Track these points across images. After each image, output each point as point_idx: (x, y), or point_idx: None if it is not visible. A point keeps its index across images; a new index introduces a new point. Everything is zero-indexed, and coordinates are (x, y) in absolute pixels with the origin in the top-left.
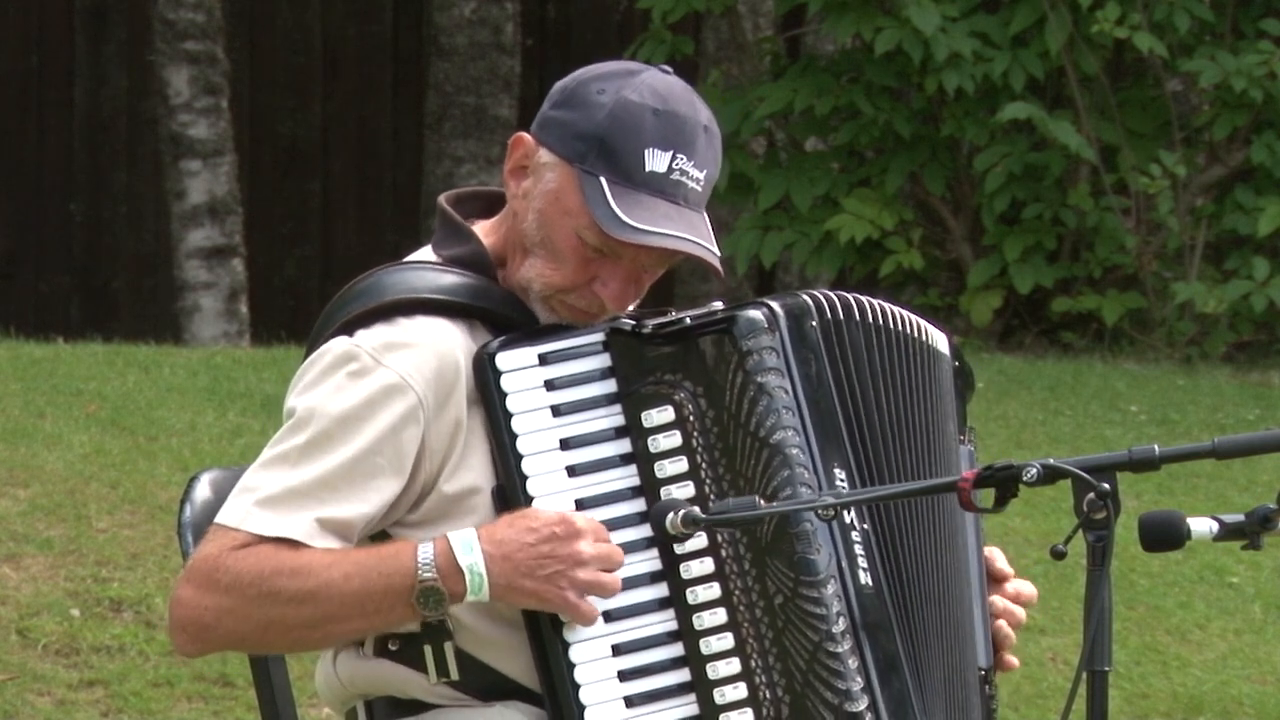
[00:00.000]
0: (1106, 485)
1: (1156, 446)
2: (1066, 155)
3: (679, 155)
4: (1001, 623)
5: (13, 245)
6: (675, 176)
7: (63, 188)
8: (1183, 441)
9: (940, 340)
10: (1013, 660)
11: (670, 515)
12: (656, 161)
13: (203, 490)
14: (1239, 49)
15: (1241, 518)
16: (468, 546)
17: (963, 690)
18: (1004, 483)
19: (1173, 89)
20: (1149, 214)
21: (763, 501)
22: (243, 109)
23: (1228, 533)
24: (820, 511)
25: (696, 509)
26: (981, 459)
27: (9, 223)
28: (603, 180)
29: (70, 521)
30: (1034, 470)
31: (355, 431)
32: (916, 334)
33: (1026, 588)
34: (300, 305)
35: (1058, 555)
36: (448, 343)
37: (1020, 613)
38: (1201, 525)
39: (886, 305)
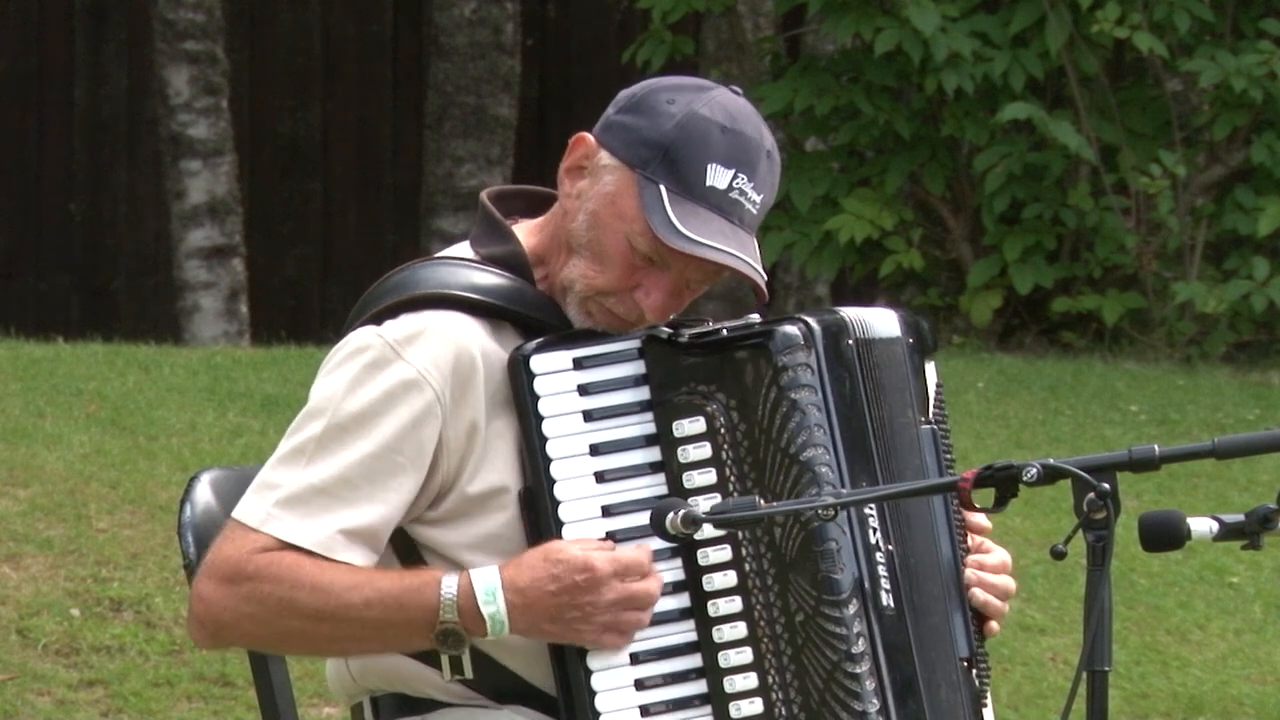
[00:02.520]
0: (1106, 485)
1: (1156, 446)
2: (1066, 155)
3: (740, 175)
4: (989, 597)
5: (13, 245)
6: (734, 195)
7: (63, 188)
8: (1183, 441)
9: (889, 324)
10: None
11: (670, 515)
12: (718, 178)
13: (203, 490)
14: (1239, 49)
15: (1241, 518)
16: (490, 594)
17: (954, 693)
18: (1004, 483)
19: (1173, 89)
20: (1149, 214)
21: (763, 502)
22: (243, 109)
23: (1228, 533)
24: (820, 511)
25: (696, 508)
26: (981, 459)
27: (9, 223)
28: (662, 188)
29: (70, 521)
30: (1034, 470)
31: (373, 427)
32: (887, 334)
33: (996, 556)
34: (300, 305)
35: (1058, 555)
36: (466, 338)
37: (1003, 584)
38: (1201, 525)
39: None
